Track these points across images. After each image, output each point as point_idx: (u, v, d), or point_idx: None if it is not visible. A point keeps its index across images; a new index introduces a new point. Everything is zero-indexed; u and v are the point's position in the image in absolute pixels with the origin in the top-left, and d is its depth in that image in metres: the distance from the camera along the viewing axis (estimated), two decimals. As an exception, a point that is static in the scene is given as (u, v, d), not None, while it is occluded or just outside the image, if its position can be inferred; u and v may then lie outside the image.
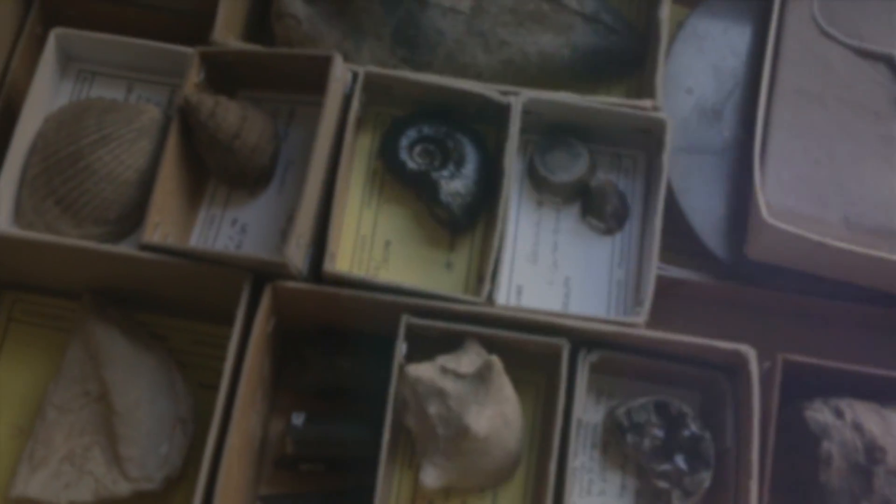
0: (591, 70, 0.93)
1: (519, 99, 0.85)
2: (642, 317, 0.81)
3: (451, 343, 0.81)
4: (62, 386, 0.84)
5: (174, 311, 0.88)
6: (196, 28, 0.92)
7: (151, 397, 0.83)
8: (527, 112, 0.86)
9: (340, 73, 0.84)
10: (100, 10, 0.93)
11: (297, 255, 0.79)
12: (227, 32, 0.89)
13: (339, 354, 0.85)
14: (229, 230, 0.86)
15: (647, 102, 0.86)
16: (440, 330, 0.81)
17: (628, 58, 0.93)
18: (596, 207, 0.87)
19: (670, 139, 0.85)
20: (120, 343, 0.84)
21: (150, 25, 0.93)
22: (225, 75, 0.88)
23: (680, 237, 0.88)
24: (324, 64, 0.84)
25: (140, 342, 0.85)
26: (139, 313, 0.88)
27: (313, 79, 0.86)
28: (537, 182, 0.88)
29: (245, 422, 0.80)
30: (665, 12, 0.89)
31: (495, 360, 0.78)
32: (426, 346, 0.82)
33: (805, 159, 0.86)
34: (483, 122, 0.89)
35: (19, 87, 0.91)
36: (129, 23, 0.93)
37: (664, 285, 0.87)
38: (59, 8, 0.93)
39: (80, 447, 0.82)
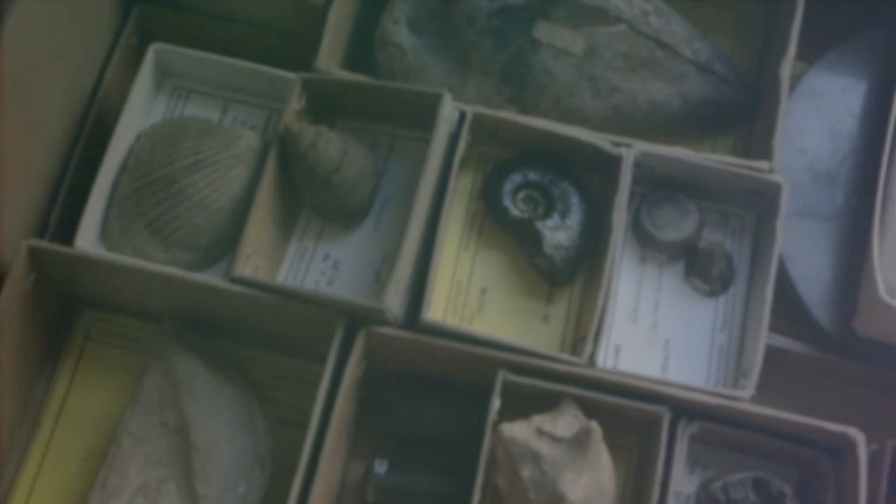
0: (699, 121, 0.90)
1: (631, 151, 0.82)
2: (748, 391, 0.77)
3: (545, 400, 0.78)
4: (139, 413, 0.81)
5: (255, 341, 0.85)
6: (295, 49, 0.89)
7: (231, 433, 0.80)
8: (637, 164, 0.83)
9: (448, 113, 0.81)
10: (197, 24, 0.90)
11: (394, 301, 0.76)
12: (329, 58, 0.86)
13: (427, 402, 0.82)
14: (321, 265, 0.83)
15: (762, 164, 0.83)
16: (537, 388, 0.78)
17: (739, 111, 0.90)
18: (702, 269, 0.83)
19: (785, 204, 0.81)
20: (201, 374, 0.81)
21: (249, 43, 0.90)
22: (325, 103, 0.85)
23: (784, 304, 0.85)
24: (432, 101, 0.81)
25: (221, 374, 0.82)
26: (219, 341, 0.85)
27: (417, 113, 0.83)
28: (642, 237, 0.84)
29: (330, 470, 0.77)
30: (786, 70, 0.85)
31: (595, 427, 0.74)
32: (519, 402, 0.78)
33: (925, 235, 0.82)
34: (588, 170, 0.86)
35: (111, 98, 0.88)
36: (227, 39, 0.90)
37: (765, 353, 0.84)
38: (155, 19, 0.90)
39: (154, 479, 0.79)
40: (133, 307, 0.85)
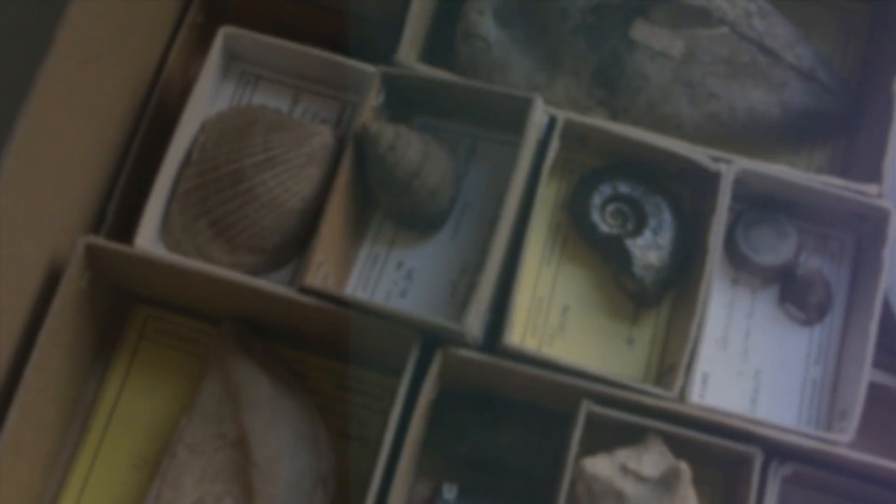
0: (797, 131, 0.84)
1: (731, 168, 0.76)
2: (847, 435, 0.72)
3: (628, 431, 0.74)
4: (196, 424, 0.76)
5: (318, 348, 0.81)
6: (368, 35, 0.84)
7: (293, 450, 0.75)
8: (735, 181, 0.77)
9: (539, 118, 0.76)
10: (268, 4, 0.84)
11: (476, 323, 0.71)
12: (410, 49, 0.80)
13: (501, 426, 0.77)
14: (394, 274, 0.78)
15: (871, 188, 0.77)
16: (622, 421, 0.73)
17: (840, 122, 0.84)
18: (799, 296, 0.78)
19: (893, 232, 0.76)
20: (263, 385, 0.76)
21: (319, 26, 0.85)
22: (403, 98, 0.79)
23: (883, 335, 0.79)
24: (521, 104, 0.75)
25: (283, 384, 0.77)
26: (280, 345, 0.80)
27: (502, 114, 0.78)
28: (736, 259, 0.79)
29: (399, 496, 0.72)
30: (899, 85, 0.79)
31: (685, 470, 0.70)
32: (599, 430, 0.74)
33: None
34: (680, 183, 0.80)
35: (174, 82, 0.83)
36: (296, 20, 0.85)
37: (861, 388, 0.79)
38: (227, 4, 0.85)
39: (210, 495, 0.75)
40: (190, 306, 0.80)
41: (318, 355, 0.81)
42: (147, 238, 0.76)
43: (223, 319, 0.79)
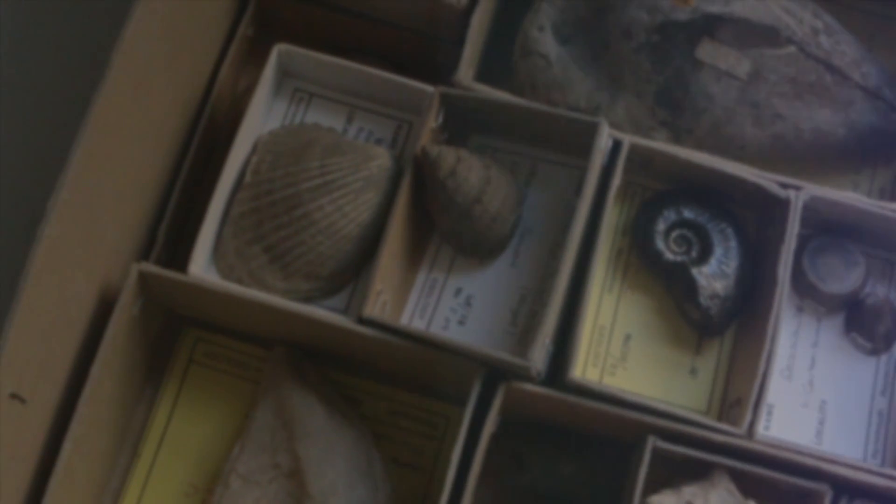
0: (861, 151, 0.82)
1: (800, 196, 0.74)
2: (919, 473, 0.71)
3: (693, 466, 0.72)
4: (248, 452, 0.75)
5: (372, 373, 0.79)
6: (425, 50, 0.81)
7: (349, 482, 0.74)
8: (805, 206, 0.75)
9: (605, 144, 0.73)
10: (321, 16, 0.82)
11: (540, 357, 0.70)
12: (469, 67, 0.78)
13: (562, 457, 0.75)
14: (452, 300, 0.76)
15: (946, 218, 0.75)
16: (685, 458, 0.71)
17: (905, 141, 0.82)
18: (866, 326, 0.76)
19: (964, 262, 0.74)
20: (318, 413, 0.75)
21: (375, 40, 0.83)
22: (461, 118, 0.77)
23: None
24: (585, 128, 0.73)
25: (338, 412, 0.76)
26: (332, 370, 0.79)
27: (564, 136, 0.76)
28: (802, 287, 0.77)
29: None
30: (972, 109, 0.77)
31: (754, 510, 0.68)
32: (663, 463, 0.72)
33: None
34: (744, 207, 0.78)
35: (224, 98, 0.81)
36: (351, 33, 0.82)
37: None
38: (275, 9, 0.82)
39: (265, 527, 0.73)
40: (242, 329, 0.78)
41: (372, 380, 0.79)
42: (200, 264, 0.74)
43: (275, 343, 0.77)
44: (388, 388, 0.79)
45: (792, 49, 0.78)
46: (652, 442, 0.71)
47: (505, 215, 0.74)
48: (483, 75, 0.81)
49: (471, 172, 0.73)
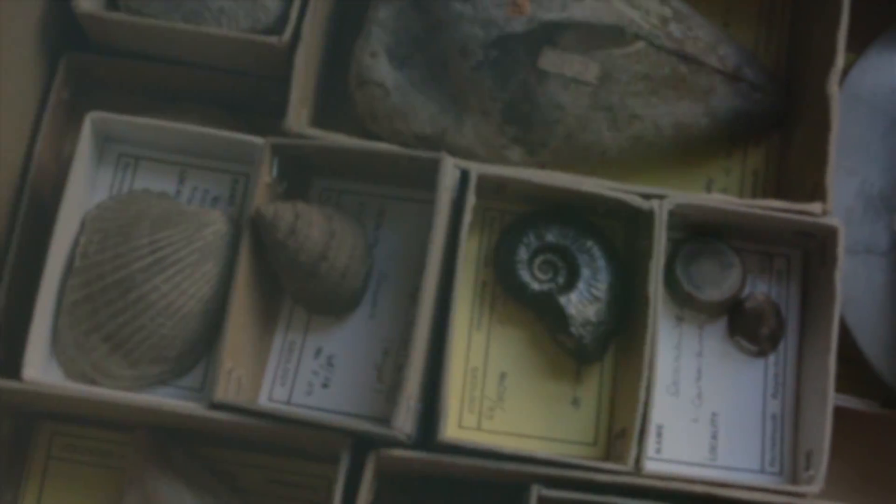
0: (729, 135, 0.78)
1: (664, 205, 0.70)
2: (817, 485, 0.68)
3: (585, 505, 0.69)
4: (120, 549, 0.70)
5: (244, 443, 0.74)
6: (256, 90, 0.76)
7: (227, 569, 0.70)
8: (670, 213, 0.71)
9: (450, 181, 0.69)
10: (138, 70, 0.76)
11: (407, 421, 0.65)
12: (301, 107, 0.72)
13: (448, 510, 0.72)
14: (312, 362, 0.72)
15: (815, 206, 0.71)
16: (575, 501, 0.68)
17: (772, 117, 0.78)
18: (749, 329, 0.73)
19: (843, 250, 0.70)
20: (186, 500, 0.70)
21: (202, 87, 0.77)
22: (299, 163, 0.72)
23: (840, 356, 0.74)
24: (430, 165, 0.69)
25: (209, 493, 0.71)
26: (202, 446, 0.74)
27: (409, 170, 0.71)
28: (679, 297, 0.73)
29: None
30: (835, 86, 0.73)
31: (649, 550, 0.65)
32: (554, 506, 0.69)
33: None
34: (611, 218, 0.74)
35: (47, 168, 0.75)
36: (175, 83, 0.77)
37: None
38: (87, 68, 0.76)
39: None
40: (100, 416, 0.73)
41: (245, 450, 0.74)
42: (37, 364, 0.69)
43: (137, 428, 0.72)
44: (262, 457, 0.74)
45: (640, 45, 0.74)
46: (536, 491, 0.67)
47: (355, 268, 0.70)
48: (325, 111, 0.76)
49: (312, 228, 0.68)
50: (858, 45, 0.80)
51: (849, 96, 0.78)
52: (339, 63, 0.77)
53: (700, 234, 0.74)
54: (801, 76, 0.78)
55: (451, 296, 0.68)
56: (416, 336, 0.65)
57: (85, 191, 0.72)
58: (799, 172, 0.76)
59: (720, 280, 0.73)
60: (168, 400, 0.68)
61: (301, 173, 0.73)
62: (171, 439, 0.73)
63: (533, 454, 0.67)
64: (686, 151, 0.77)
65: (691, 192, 0.77)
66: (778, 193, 0.78)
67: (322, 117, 0.76)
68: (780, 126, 0.79)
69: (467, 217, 0.69)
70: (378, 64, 0.74)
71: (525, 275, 0.71)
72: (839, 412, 0.74)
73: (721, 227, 0.74)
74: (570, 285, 0.71)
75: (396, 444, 0.67)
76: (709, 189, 0.78)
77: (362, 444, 0.67)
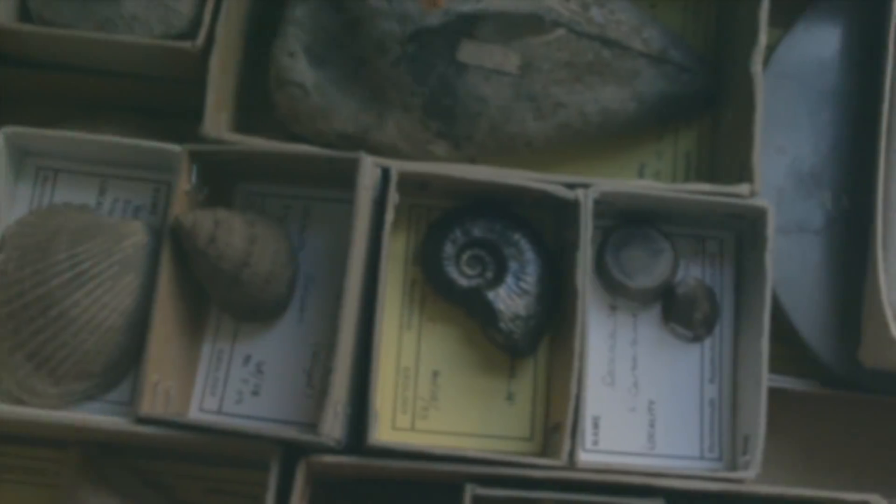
0: (657, 118, 0.77)
1: (589, 194, 0.69)
2: (752, 471, 0.67)
3: (524, 502, 0.68)
4: (56, 569, 0.70)
5: (179, 455, 0.73)
6: (176, 95, 0.75)
7: (165, 584, 0.69)
8: (597, 202, 0.70)
9: (369, 180, 0.68)
10: (53, 80, 0.75)
11: (335, 426, 0.65)
12: (218, 112, 0.71)
13: (389, 511, 0.71)
14: (242, 371, 0.71)
15: (743, 188, 0.70)
16: (511, 499, 0.67)
17: (701, 98, 0.77)
18: (683, 314, 0.72)
19: (773, 231, 0.70)
20: (121, 516, 0.70)
21: (120, 94, 0.76)
22: (220, 169, 0.71)
23: (775, 337, 0.73)
24: (348, 165, 0.68)
25: (145, 507, 0.71)
26: (138, 459, 0.73)
27: (333, 172, 0.70)
28: (611, 285, 0.73)
29: None
30: (758, 64, 0.72)
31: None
32: (492, 504, 0.68)
33: (935, 248, 0.71)
34: (539, 208, 0.73)
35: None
36: (93, 91, 0.76)
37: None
38: (2, 81, 0.75)
39: None
40: (30, 436, 0.73)
41: (183, 461, 0.74)
42: (-40, 385, 0.68)
43: (69, 445, 0.71)
44: (199, 467, 0.74)
45: (561, 32, 0.73)
46: (471, 490, 0.66)
47: (278, 273, 0.69)
48: (248, 113, 0.75)
49: (232, 235, 0.67)
50: (786, 21, 0.79)
51: (776, 73, 0.77)
52: (261, 65, 0.75)
53: (631, 220, 0.73)
54: (728, 56, 0.77)
55: (376, 291, 0.67)
56: (340, 340, 0.65)
57: (4, 207, 0.71)
58: (729, 153, 0.75)
59: (651, 266, 0.72)
60: (93, 416, 0.67)
61: (224, 179, 0.72)
62: (104, 454, 0.72)
63: (464, 453, 0.66)
64: (616, 137, 0.77)
65: (624, 177, 0.76)
66: (711, 175, 0.77)
67: (246, 120, 0.75)
68: (709, 107, 0.78)
69: (389, 216, 0.68)
70: (297, 64, 0.73)
71: (452, 271, 0.71)
72: (779, 393, 0.73)
73: (651, 212, 0.73)
74: (497, 280, 0.70)
75: (327, 449, 0.66)
76: (641, 174, 0.78)
77: (294, 451, 0.67)
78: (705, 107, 0.78)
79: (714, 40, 0.80)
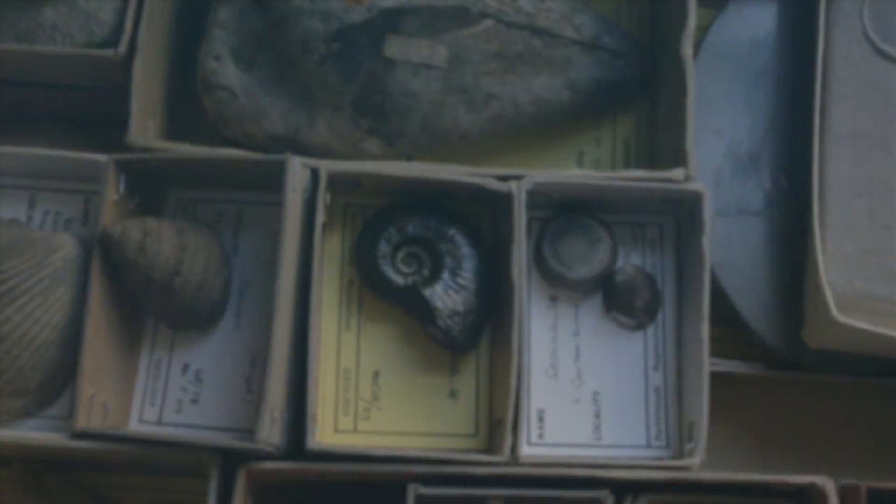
0: (594, 105, 0.76)
1: (522, 186, 0.69)
2: (697, 458, 0.67)
3: (470, 500, 0.67)
4: (1, 589, 0.69)
5: (123, 466, 0.73)
6: (106, 103, 0.74)
7: None
8: (531, 194, 0.69)
9: (299, 183, 0.67)
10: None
11: (272, 431, 0.64)
12: (145, 120, 0.70)
13: (336, 514, 0.70)
14: (180, 380, 0.70)
15: (678, 173, 0.70)
16: (455, 497, 0.66)
17: (637, 83, 0.77)
18: (624, 303, 0.71)
19: (710, 215, 0.69)
20: (65, 532, 0.69)
21: (48, 105, 0.75)
22: (150, 177, 0.70)
23: (719, 321, 0.72)
24: (276, 168, 0.67)
25: (89, 522, 0.70)
26: (82, 472, 0.73)
27: (260, 174, 0.69)
28: (550, 277, 0.72)
29: None
30: (688, 48, 0.71)
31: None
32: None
33: (872, 225, 0.71)
34: (475, 203, 0.72)
35: None
36: (17, 105, 0.75)
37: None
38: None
39: None
40: (-29, 454, 0.72)
41: (126, 474, 0.73)
42: None
43: (11, 461, 0.71)
44: (144, 479, 0.73)
45: (488, 23, 0.72)
46: (413, 490, 0.66)
47: (211, 280, 0.68)
48: (179, 119, 0.74)
49: (162, 244, 0.66)
50: (720, 2, 0.79)
51: (710, 55, 0.77)
52: (191, 70, 0.74)
53: (569, 210, 0.72)
54: (661, 39, 0.77)
55: (310, 293, 0.67)
56: (273, 344, 0.64)
57: (-69, 226, 0.70)
58: (666, 138, 0.74)
59: (589, 256, 0.71)
60: (29, 433, 0.66)
61: (155, 186, 0.71)
62: (48, 470, 0.71)
63: (405, 454, 0.66)
64: (552, 126, 0.76)
65: (563, 166, 0.76)
66: (650, 160, 0.77)
67: (178, 126, 0.75)
68: (646, 92, 0.77)
69: (320, 217, 0.67)
70: (223, 67, 0.72)
71: (388, 270, 0.70)
72: (725, 377, 0.73)
73: (589, 201, 0.72)
74: (434, 277, 0.70)
75: (265, 456, 0.65)
76: (580, 162, 0.77)
77: (234, 458, 0.66)
78: (642, 92, 0.77)
79: (648, 24, 0.79)
